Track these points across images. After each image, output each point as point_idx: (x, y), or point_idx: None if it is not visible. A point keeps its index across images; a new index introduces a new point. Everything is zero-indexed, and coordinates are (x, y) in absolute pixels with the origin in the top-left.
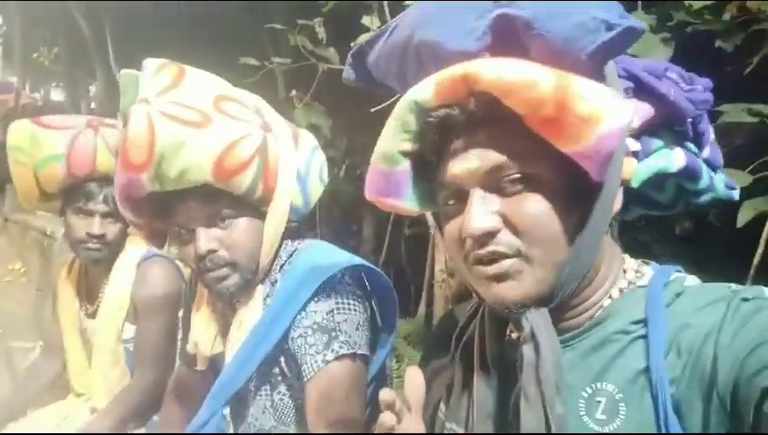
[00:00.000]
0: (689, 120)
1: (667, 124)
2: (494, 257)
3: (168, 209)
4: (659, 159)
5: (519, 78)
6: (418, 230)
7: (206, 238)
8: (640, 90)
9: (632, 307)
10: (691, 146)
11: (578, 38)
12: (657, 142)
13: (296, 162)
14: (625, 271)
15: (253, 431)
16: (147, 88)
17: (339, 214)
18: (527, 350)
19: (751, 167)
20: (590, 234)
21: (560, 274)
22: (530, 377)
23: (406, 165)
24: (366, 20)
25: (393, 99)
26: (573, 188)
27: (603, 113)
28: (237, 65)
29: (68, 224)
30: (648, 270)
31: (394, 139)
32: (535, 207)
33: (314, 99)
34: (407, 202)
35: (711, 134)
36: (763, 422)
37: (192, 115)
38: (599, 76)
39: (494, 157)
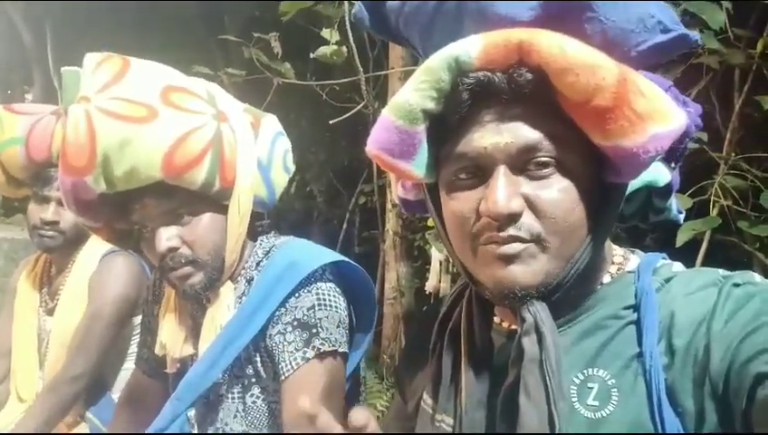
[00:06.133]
0: (687, 138)
1: None
2: (511, 241)
3: (125, 208)
4: (653, 171)
5: (582, 59)
6: (368, 248)
7: (167, 236)
8: None
9: (622, 292)
10: (672, 164)
11: (634, 33)
12: None
13: (256, 151)
14: (613, 256)
15: None
16: (87, 84)
17: (287, 231)
18: (528, 343)
19: (691, 191)
20: (602, 232)
21: (568, 268)
22: (531, 371)
23: (425, 126)
24: (325, 32)
25: (349, 113)
26: (594, 183)
27: (660, 114)
28: (188, 74)
29: (28, 210)
30: (634, 257)
31: (421, 94)
32: (561, 194)
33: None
34: (414, 167)
35: None
36: (756, 408)
37: (136, 110)
38: None
39: (527, 135)
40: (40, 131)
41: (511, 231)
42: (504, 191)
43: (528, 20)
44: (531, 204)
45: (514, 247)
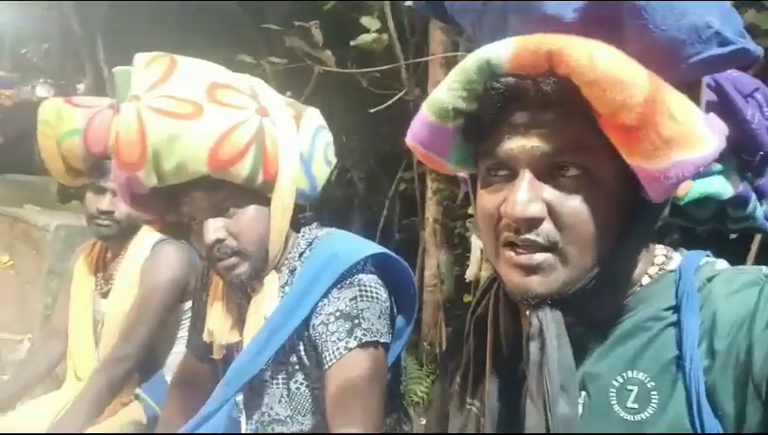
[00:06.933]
0: (761, 152)
1: (736, 148)
2: (528, 245)
3: (175, 201)
4: (715, 183)
5: (610, 73)
6: (408, 235)
7: (213, 228)
8: (723, 106)
9: (663, 293)
10: (749, 174)
11: (685, 44)
12: (716, 166)
13: (298, 145)
14: (654, 256)
15: (267, 420)
16: (137, 83)
17: (328, 219)
18: (533, 347)
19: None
20: (631, 245)
21: (586, 279)
22: (534, 375)
23: (457, 122)
24: (366, 20)
25: (390, 101)
26: (623, 196)
27: (688, 139)
28: (231, 64)
29: (85, 199)
30: (677, 255)
31: (453, 93)
32: (584, 204)
33: (307, 101)
34: (447, 160)
35: None
36: None
37: (183, 107)
38: (694, 86)
39: (555, 141)
40: (98, 124)
41: (529, 236)
42: (524, 195)
43: (571, 20)
44: (552, 211)
45: (534, 259)
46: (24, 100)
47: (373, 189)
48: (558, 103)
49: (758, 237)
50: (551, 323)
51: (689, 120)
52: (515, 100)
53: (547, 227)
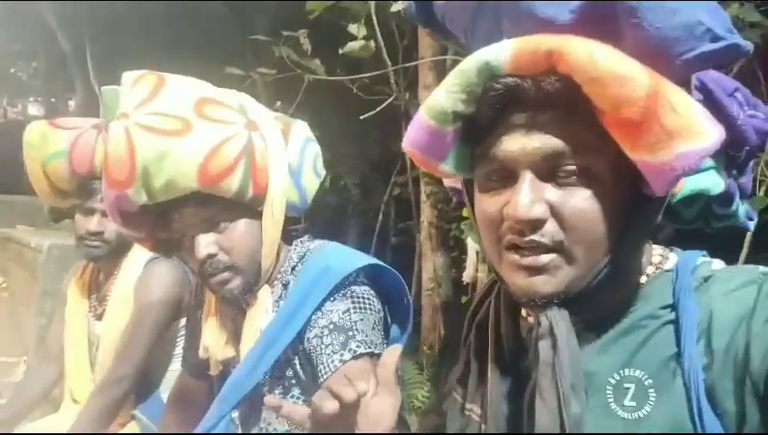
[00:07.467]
0: (746, 147)
1: (723, 145)
2: (533, 247)
3: (166, 218)
4: (705, 179)
5: (611, 69)
6: (404, 239)
7: (205, 243)
8: (709, 104)
9: (659, 292)
10: (734, 171)
11: (679, 41)
12: (708, 161)
13: (287, 157)
14: (651, 256)
15: None
16: (125, 102)
17: (323, 226)
18: (543, 346)
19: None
20: (633, 242)
21: (591, 277)
22: (545, 374)
23: (456, 126)
24: (353, 28)
25: (380, 107)
26: (625, 193)
27: (690, 131)
28: (220, 76)
29: (74, 221)
30: (673, 255)
31: (452, 97)
32: (587, 203)
33: (298, 110)
34: (445, 165)
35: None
36: None
37: (172, 124)
38: (685, 85)
39: (555, 142)
40: (82, 145)
41: (534, 237)
42: (526, 197)
43: (567, 23)
44: (555, 212)
45: (540, 260)
46: (12, 119)
47: (367, 195)
48: (557, 103)
49: (743, 256)
50: (561, 321)
51: (690, 112)
52: (514, 101)
53: (551, 227)
